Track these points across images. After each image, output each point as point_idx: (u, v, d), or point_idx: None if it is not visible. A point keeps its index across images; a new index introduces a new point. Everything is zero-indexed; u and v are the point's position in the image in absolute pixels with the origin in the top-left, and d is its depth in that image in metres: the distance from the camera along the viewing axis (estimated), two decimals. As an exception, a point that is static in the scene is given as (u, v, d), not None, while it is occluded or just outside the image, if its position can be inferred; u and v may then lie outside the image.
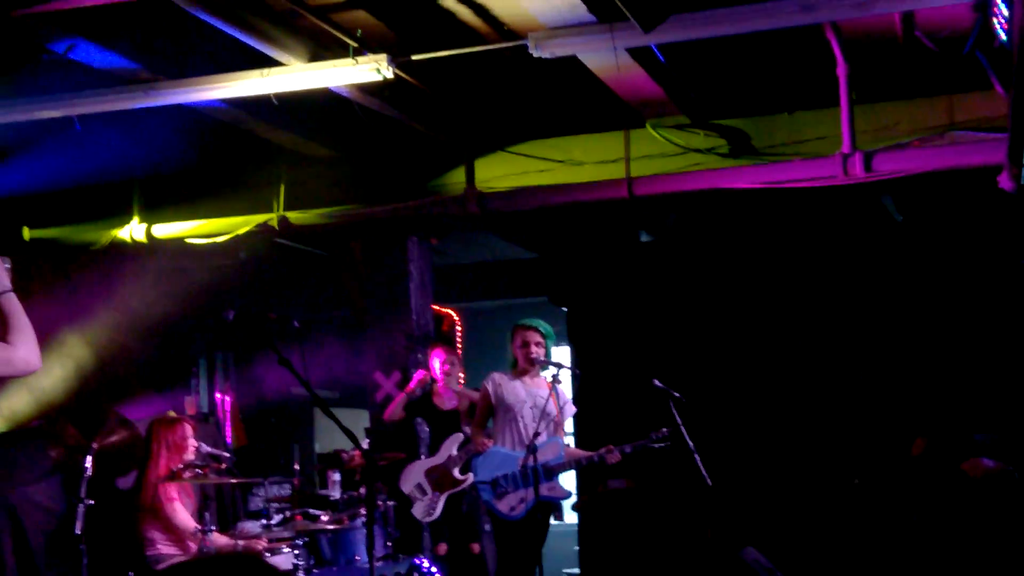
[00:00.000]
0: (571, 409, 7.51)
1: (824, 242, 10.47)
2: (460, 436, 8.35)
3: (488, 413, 7.21)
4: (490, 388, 7.18)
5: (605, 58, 7.03)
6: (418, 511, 8.38)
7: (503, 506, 6.90)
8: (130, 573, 6.16)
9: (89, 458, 6.23)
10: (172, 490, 6.76)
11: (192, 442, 7.03)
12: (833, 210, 9.91)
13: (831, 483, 10.00)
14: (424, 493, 8.35)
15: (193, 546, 6.86)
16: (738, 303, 11.03)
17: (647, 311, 11.49)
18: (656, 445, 7.14)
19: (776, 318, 10.86)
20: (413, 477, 8.44)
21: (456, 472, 8.37)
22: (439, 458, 8.44)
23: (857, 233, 10.29)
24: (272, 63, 6.92)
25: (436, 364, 8.95)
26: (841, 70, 7.65)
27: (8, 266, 3.76)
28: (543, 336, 7.32)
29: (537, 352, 7.25)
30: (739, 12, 6.45)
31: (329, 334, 11.12)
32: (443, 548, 8.73)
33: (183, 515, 6.73)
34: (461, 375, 9.61)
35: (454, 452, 8.38)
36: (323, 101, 7.71)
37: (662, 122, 8.58)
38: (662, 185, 8.59)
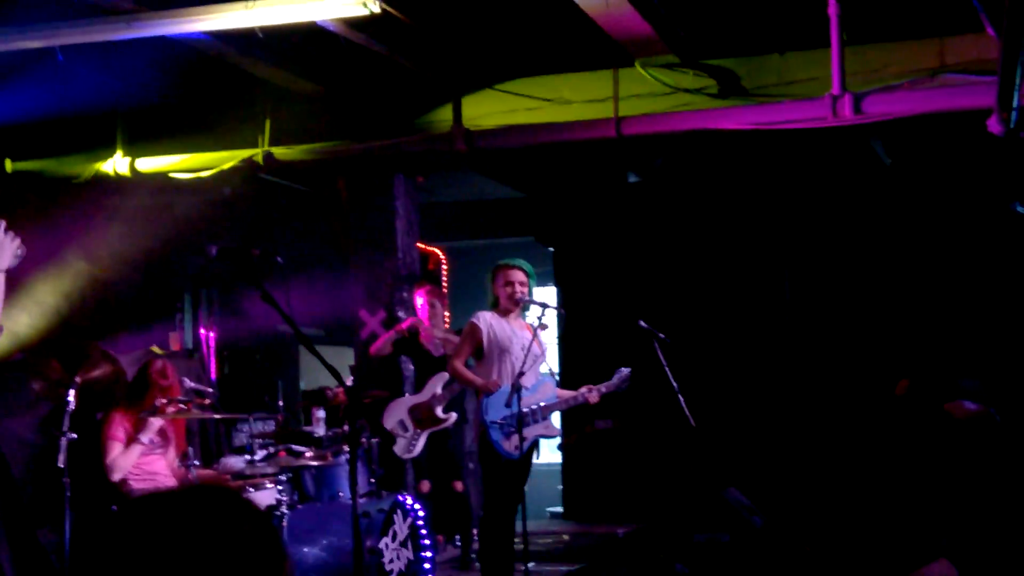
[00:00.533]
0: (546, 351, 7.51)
1: (813, 185, 10.46)
2: (445, 375, 8.35)
3: (472, 350, 7.16)
4: (483, 326, 7.10)
5: (595, -6, 6.95)
6: (399, 448, 8.44)
7: (508, 446, 6.91)
8: (113, 507, 6.16)
9: (72, 392, 6.20)
10: (117, 428, 6.74)
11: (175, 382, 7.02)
12: (822, 152, 9.89)
13: (814, 423, 10.06)
14: (406, 430, 8.41)
15: (171, 481, 6.87)
16: (725, 244, 11.04)
17: (634, 252, 11.50)
18: (623, 385, 7.19)
19: (762, 259, 10.88)
20: (396, 414, 8.49)
21: (439, 411, 8.40)
22: (423, 396, 8.47)
23: (846, 176, 10.28)
24: (257, -5, 6.82)
25: (419, 302, 8.98)
26: (832, 10, 7.58)
27: None
28: (527, 275, 7.27)
29: (521, 292, 7.19)
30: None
31: (314, 271, 11.08)
32: (426, 485, 8.80)
33: (115, 454, 6.70)
34: (446, 315, 9.60)
35: (438, 391, 8.40)
36: (309, 35, 7.62)
37: (651, 61, 8.50)
38: (650, 125, 8.54)
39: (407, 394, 8.76)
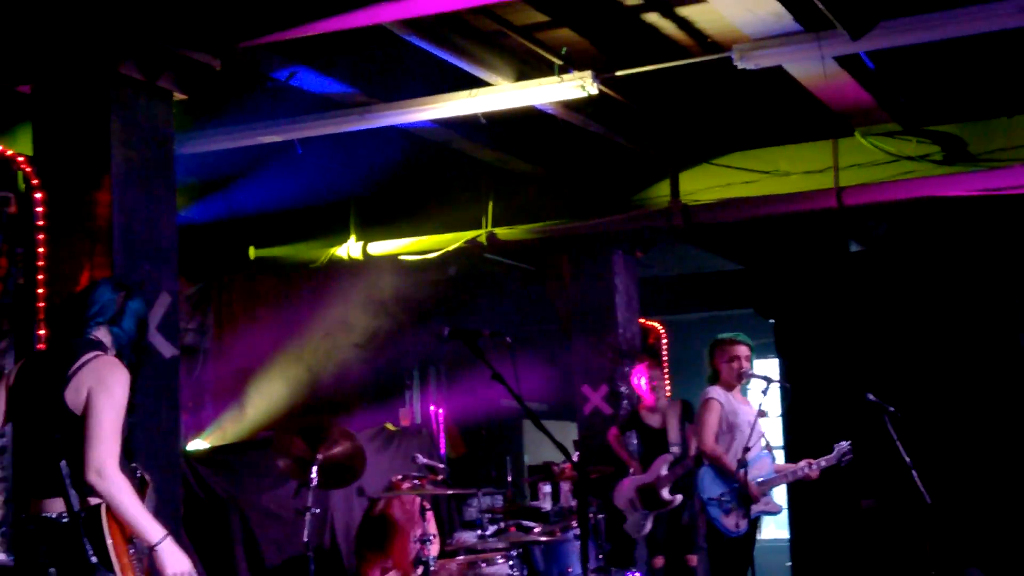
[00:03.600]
0: None
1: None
2: (669, 456, 8.37)
3: (718, 428, 7.08)
4: (724, 404, 7.09)
5: (811, 67, 6.94)
6: (630, 526, 8.43)
7: (729, 522, 6.85)
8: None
9: (315, 468, 6.47)
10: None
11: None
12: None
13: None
14: (635, 509, 8.39)
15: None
16: (953, 313, 10.68)
17: (857, 322, 11.24)
18: (844, 459, 7.02)
19: (993, 327, 10.46)
20: (625, 493, 8.49)
21: (664, 493, 8.36)
22: (649, 476, 8.44)
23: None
24: (480, 83, 7.09)
25: (643, 382, 8.90)
26: (1064, 69, 7.35)
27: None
28: (750, 349, 7.24)
29: (746, 366, 7.16)
30: (953, 16, 6.24)
31: (536, 348, 11.26)
32: (660, 561, 8.67)
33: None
34: (667, 390, 9.60)
35: (663, 472, 8.37)
36: (529, 118, 7.84)
37: (871, 130, 8.40)
38: (873, 194, 8.41)
39: (632, 471, 8.74)
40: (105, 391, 3.78)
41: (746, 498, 6.75)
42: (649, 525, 8.37)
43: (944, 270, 10.75)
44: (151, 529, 3.74)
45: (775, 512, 7.40)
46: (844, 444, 7.08)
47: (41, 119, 6.03)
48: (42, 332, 5.83)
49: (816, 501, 10.85)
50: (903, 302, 10.98)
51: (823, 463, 7.02)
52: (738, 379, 7.12)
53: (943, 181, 8.18)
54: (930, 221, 10.05)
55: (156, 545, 3.72)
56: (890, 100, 7.97)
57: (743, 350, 7.12)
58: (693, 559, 8.61)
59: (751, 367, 7.18)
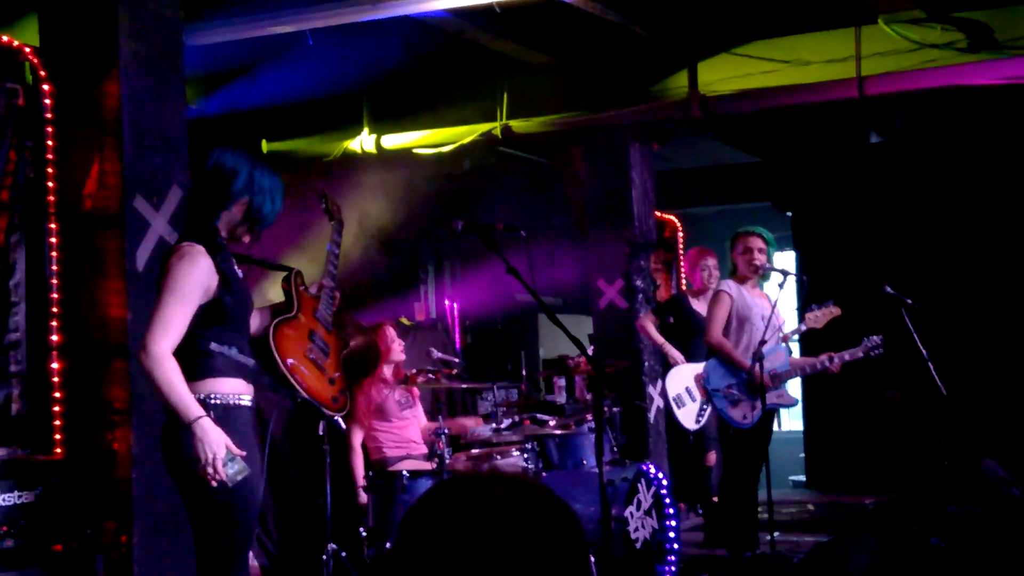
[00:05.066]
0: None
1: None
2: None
3: (727, 319, 7.01)
4: (734, 295, 7.01)
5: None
6: (685, 417, 7.90)
7: (736, 414, 6.85)
8: (369, 473, 6.43)
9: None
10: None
11: (396, 345, 7.21)
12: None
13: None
14: (693, 399, 7.87)
15: (423, 448, 7.10)
16: (973, 207, 10.58)
17: (875, 215, 11.15)
18: (873, 353, 6.89)
19: (1014, 222, 10.37)
20: (681, 380, 7.96)
21: None
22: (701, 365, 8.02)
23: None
24: (494, -29, 6.94)
25: (703, 269, 8.61)
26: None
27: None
28: (766, 242, 7.14)
29: (761, 259, 7.08)
30: None
31: (551, 241, 11.22)
32: (712, 457, 8.39)
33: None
34: (683, 283, 9.55)
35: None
36: (544, 7, 7.68)
37: (895, 17, 8.20)
38: (896, 83, 8.24)
39: (675, 361, 8.25)
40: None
41: (755, 389, 6.74)
42: (706, 417, 7.87)
43: (965, 162, 10.62)
44: (191, 408, 3.80)
45: (790, 405, 7.38)
46: (875, 338, 6.88)
47: (47, 10, 5.93)
48: (53, 225, 5.80)
49: (831, 394, 10.86)
50: (922, 194, 10.88)
51: (846, 356, 6.86)
52: (753, 271, 7.05)
53: (968, 69, 8.01)
54: (952, 111, 9.90)
55: (191, 423, 3.77)
56: (915, -15, 7.78)
57: (757, 242, 7.04)
58: (711, 457, 8.43)
59: (769, 260, 7.10)
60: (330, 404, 4.48)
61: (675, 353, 8.25)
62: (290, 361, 4.27)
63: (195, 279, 3.88)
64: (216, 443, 3.77)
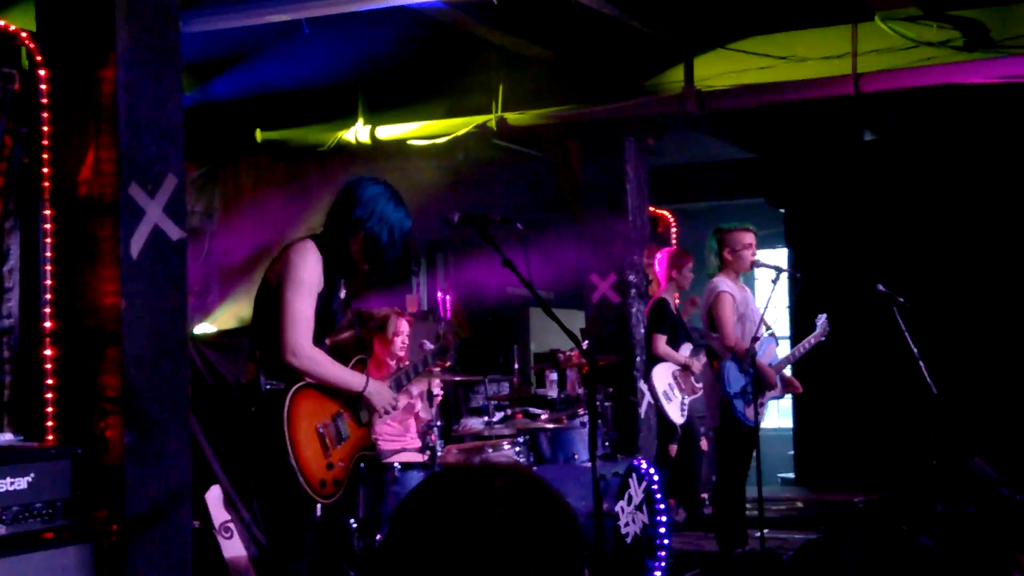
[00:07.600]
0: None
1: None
2: (690, 345, 8.51)
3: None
4: (736, 294, 7.07)
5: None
6: (671, 412, 8.59)
7: (750, 413, 6.89)
8: (360, 464, 6.41)
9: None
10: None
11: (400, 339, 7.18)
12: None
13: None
14: (677, 394, 8.63)
15: (417, 442, 7.09)
16: (966, 206, 10.60)
17: (869, 213, 11.17)
18: (825, 332, 7.19)
19: (1008, 219, 10.40)
20: (665, 377, 8.64)
21: (694, 380, 8.56)
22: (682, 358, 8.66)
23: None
24: (492, -38, 6.92)
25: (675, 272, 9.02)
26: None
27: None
28: (756, 238, 7.23)
29: (754, 254, 7.13)
30: None
31: (543, 235, 11.20)
32: (705, 443, 8.94)
33: None
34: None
35: (702, 359, 8.30)
36: (541, 0, 7.67)
37: (892, 14, 8.21)
38: (892, 81, 8.25)
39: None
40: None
41: (761, 386, 6.84)
42: (687, 410, 8.65)
43: (959, 161, 10.64)
44: (354, 380, 4.48)
45: (780, 396, 7.56)
46: (822, 316, 7.24)
47: (43, -6, 5.89)
48: (47, 212, 5.77)
49: (820, 391, 10.89)
50: (916, 193, 10.90)
51: (812, 340, 7.18)
52: (749, 268, 7.08)
53: (964, 68, 8.03)
54: (947, 110, 9.91)
55: (363, 391, 4.43)
56: (912, -16, 7.78)
57: (749, 237, 7.10)
58: (704, 442, 8.86)
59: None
60: (316, 486, 4.41)
61: (699, 363, 8.58)
62: (295, 422, 4.34)
63: (311, 267, 4.37)
64: (390, 395, 4.64)
